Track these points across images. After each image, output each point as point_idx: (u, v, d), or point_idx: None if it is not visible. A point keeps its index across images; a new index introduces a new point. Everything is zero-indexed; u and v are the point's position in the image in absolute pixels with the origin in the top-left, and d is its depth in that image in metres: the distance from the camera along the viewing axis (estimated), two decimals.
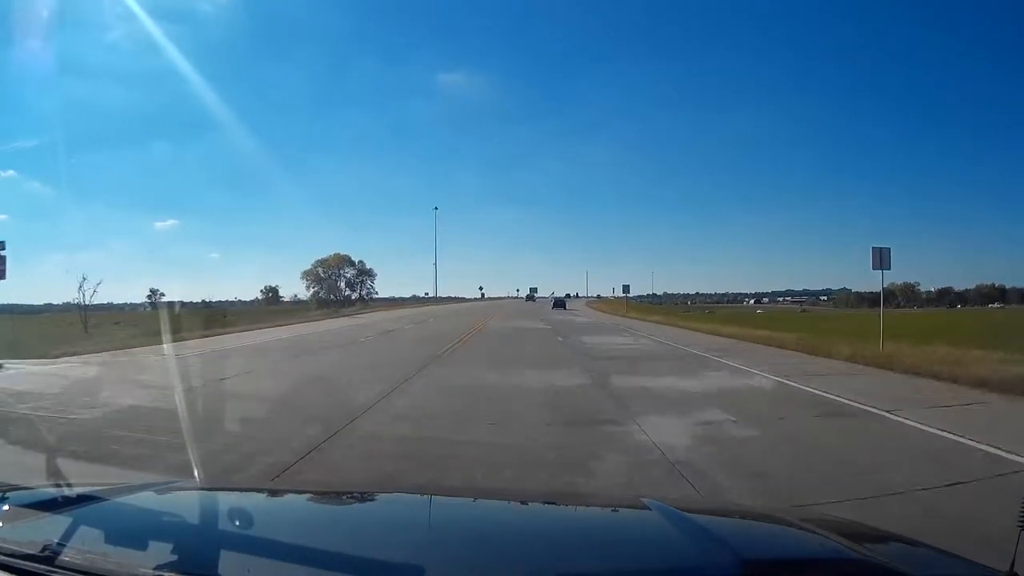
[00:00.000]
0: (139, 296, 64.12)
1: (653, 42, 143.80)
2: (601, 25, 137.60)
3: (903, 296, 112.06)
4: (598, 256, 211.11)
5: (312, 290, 79.29)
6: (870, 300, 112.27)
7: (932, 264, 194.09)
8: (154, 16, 56.06)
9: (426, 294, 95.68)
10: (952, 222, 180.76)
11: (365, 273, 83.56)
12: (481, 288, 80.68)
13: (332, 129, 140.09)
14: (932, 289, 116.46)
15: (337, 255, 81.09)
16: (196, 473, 3.92)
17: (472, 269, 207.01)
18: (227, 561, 1.17)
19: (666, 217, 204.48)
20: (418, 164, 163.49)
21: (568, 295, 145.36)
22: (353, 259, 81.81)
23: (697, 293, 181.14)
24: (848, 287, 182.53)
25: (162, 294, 69.36)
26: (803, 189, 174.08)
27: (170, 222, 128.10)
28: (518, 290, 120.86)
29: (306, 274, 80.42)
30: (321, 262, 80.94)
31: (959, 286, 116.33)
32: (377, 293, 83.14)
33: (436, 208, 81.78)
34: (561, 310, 55.99)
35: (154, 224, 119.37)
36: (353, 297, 79.61)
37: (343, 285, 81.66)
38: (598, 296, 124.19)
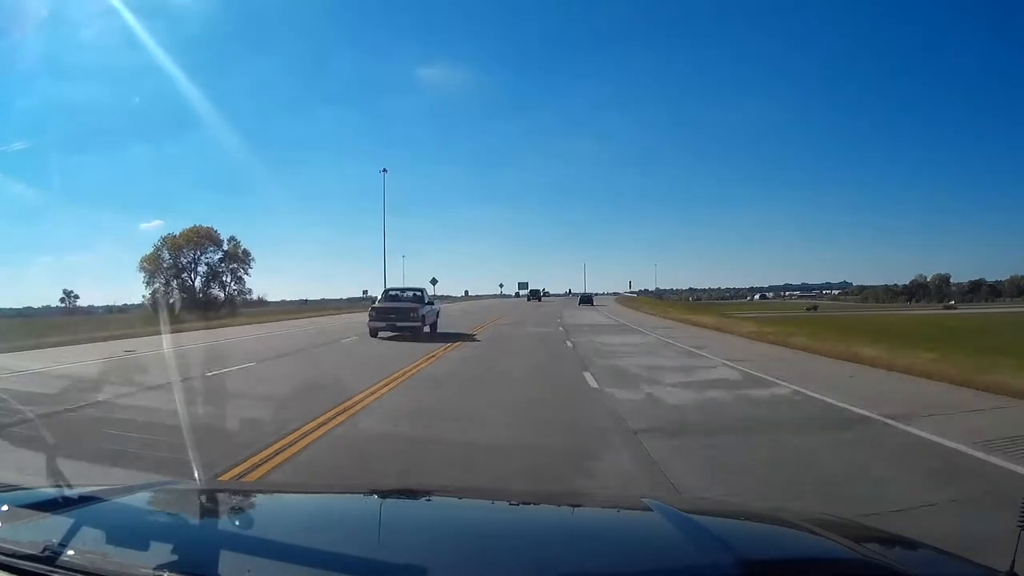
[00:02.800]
0: (129, 297, 55.67)
1: (647, 35, 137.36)
2: (595, 17, 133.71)
3: (937, 290, 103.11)
4: (591, 252, 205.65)
5: (155, 286, 48.75)
6: (903, 294, 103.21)
7: (958, 254, 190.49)
8: (134, 13, 48.33)
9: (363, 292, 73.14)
10: (981, 209, 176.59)
11: (236, 259, 51.57)
12: (434, 280, 58.38)
13: (314, 127, 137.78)
14: (961, 281, 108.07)
15: (194, 229, 50.31)
16: (196, 473, 3.74)
17: (455, 266, 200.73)
18: (227, 561, 1.17)
19: (662, 212, 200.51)
20: (403, 161, 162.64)
21: (569, 292, 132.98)
22: (221, 236, 51.12)
23: (691, 288, 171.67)
24: (848, 280, 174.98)
25: (76, 296, 55.36)
26: (801, 183, 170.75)
27: (155, 223, 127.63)
28: (501, 286, 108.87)
29: (145, 261, 49.02)
30: (168, 241, 49.80)
31: (990, 277, 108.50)
32: (251, 292, 53.23)
33: (384, 170, 49.01)
34: (588, 306, 53.89)
35: (139, 225, 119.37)
36: (220, 297, 50.68)
37: (197, 282, 50.47)
38: (616, 294, 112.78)
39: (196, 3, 68.43)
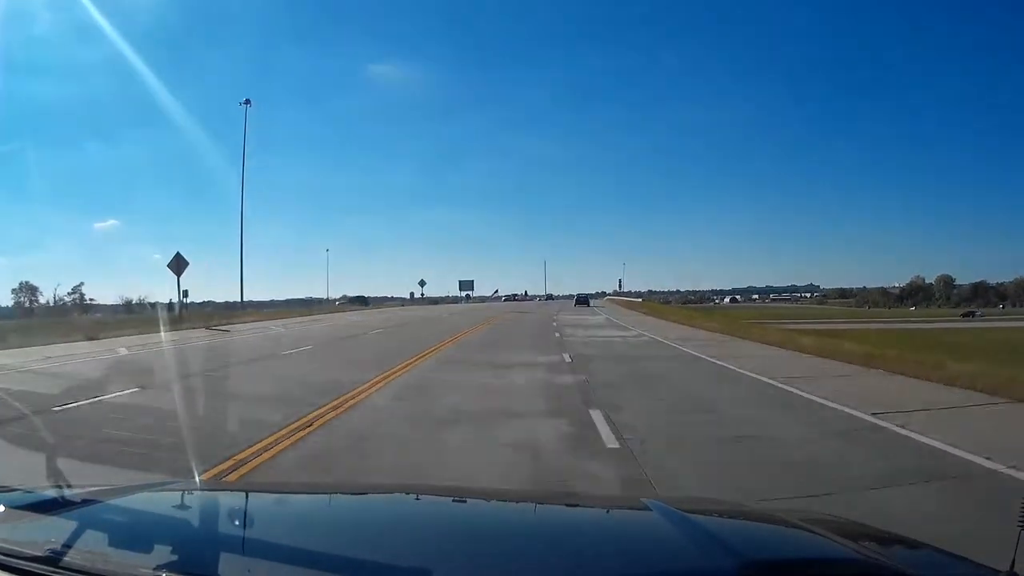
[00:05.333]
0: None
1: (604, 33, 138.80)
2: (550, 14, 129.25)
3: (941, 293, 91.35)
4: (551, 253, 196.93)
5: None
6: (909, 297, 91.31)
7: (934, 256, 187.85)
8: (82, 8, 40.22)
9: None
10: (958, 211, 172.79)
11: None
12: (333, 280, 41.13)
13: (272, 126, 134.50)
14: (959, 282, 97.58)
15: None
16: (196, 473, 3.73)
17: (406, 266, 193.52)
18: (227, 561, 1.17)
19: (624, 213, 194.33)
20: (354, 159, 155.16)
21: (525, 293, 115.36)
22: None
23: (650, 291, 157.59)
24: (815, 283, 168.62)
25: None
26: (766, 185, 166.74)
27: (110, 222, 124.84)
28: (423, 283, 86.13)
29: None
30: None
31: (992, 279, 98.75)
32: None
33: (247, 102, 37.70)
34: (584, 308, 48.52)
35: (92, 225, 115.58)
36: None
37: None
38: (611, 294, 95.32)
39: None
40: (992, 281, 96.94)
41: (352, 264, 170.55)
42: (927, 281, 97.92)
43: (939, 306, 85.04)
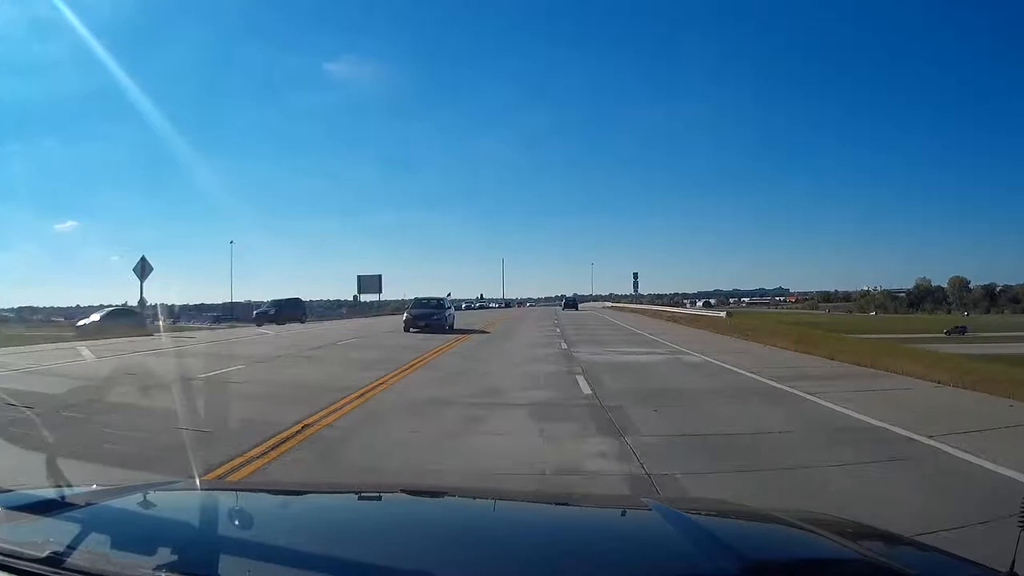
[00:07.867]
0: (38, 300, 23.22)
1: (563, 33, 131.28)
2: (508, 13, 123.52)
3: (954, 295, 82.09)
4: (508, 256, 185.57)
5: None
6: (909, 303, 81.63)
7: (938, 256, 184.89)
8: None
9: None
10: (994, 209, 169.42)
11: None
12: None
13: (218, 123, 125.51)
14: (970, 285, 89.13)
15: None
16: (196, 474, 3.71)
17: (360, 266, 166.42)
18: (227, 562, 1.17)
19: (585, 215, 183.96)
20: (322, 161, 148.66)
21: (480, 296, 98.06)
22: None
23: (611, 294, 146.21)
24: (783, 287, 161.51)
25: None
26: (734, 186, 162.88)
27: (69, 223, 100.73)
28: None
29: None
30: None
31: (1002, 281, 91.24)
32: None
33: None
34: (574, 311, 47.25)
35: (53, 226, 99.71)
36: None
37: None
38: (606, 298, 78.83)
39: None
40: (998, 283, 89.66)
41: (296, 265, 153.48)
42: (934, 283, 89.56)
43: (963, 312, 75.18)
